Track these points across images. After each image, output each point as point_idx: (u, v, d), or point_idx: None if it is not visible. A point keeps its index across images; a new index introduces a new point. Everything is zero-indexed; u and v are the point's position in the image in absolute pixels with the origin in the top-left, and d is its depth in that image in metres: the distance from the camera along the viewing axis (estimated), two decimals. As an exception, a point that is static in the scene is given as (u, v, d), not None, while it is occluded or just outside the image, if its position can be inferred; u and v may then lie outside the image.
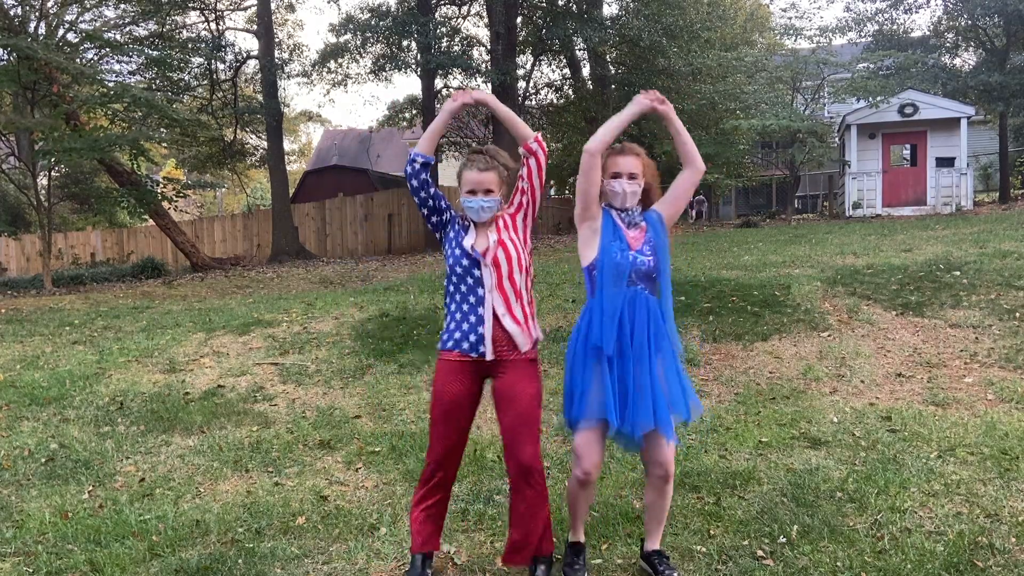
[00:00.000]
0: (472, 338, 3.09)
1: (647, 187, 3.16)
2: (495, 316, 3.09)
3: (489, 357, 3.08)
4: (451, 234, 3.18)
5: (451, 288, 3.16)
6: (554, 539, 3.22)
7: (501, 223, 3.17)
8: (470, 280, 3.10)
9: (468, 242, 3.11)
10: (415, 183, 3.15)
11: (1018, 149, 23.93)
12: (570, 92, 23.88)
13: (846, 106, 20.38)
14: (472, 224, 3.17)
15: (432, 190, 3.18)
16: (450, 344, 3.13)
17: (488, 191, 3.10)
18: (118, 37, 18.12)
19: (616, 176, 3.10)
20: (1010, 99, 19.06)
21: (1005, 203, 19.13)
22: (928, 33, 21.83)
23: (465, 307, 3.12)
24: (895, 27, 22.11)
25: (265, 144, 21.45)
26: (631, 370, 3.00)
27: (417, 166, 3.14)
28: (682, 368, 3.15)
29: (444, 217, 3.21)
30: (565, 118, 22.88)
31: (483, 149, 3.20)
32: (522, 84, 21.04)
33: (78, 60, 15.91)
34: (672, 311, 3.15)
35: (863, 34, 22.22)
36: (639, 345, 3.02)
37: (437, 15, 19.36)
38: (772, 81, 19.99)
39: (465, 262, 3.09)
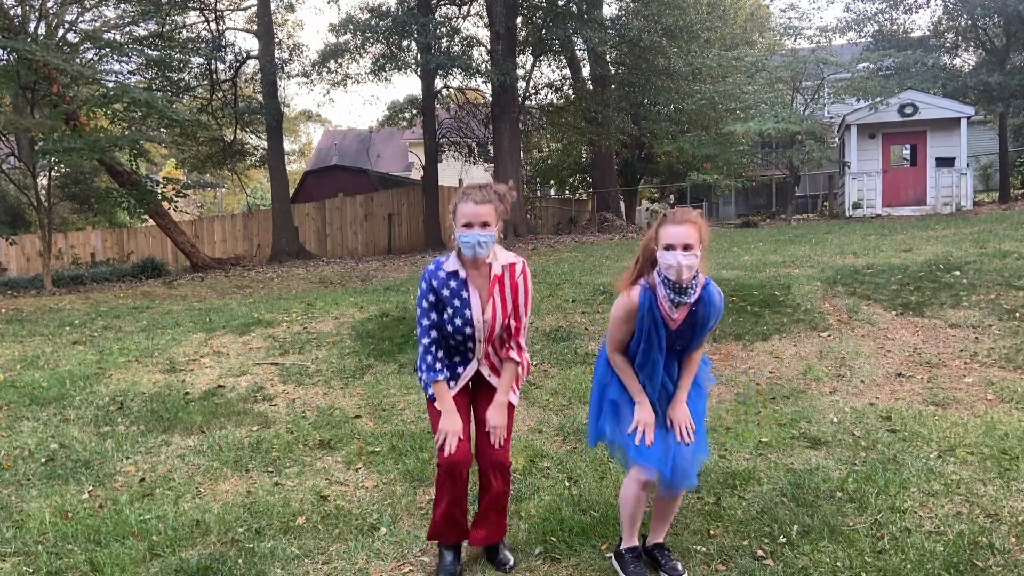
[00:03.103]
0: (457, 377, 3.24)
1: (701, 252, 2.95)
2: (479, 374, 3.24)
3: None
4: (456, 302, 3.10)
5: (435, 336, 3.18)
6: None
7: (498, 286, 3.12)
8: (461, 343, 3.18)
9: (477, 314, 3.10)
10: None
11: (1018, 149, 23.93)
12: (570, 92, 23.89)
13: (846, 106, 20.40)
14: (469, 284, 3.09)
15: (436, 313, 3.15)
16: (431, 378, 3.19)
17: (485, 224, 2.98)
18: (118, 37, 18.15)
19: (670, 248, 2.85)
20: (1010, 99, 19.07)
21: (1005, 203, 19.13)
22: (928, 33, 21.83)
23: (456, 357, 3.22)
24: (895, 27, 22.12)
25: (265, 144, 21.46)
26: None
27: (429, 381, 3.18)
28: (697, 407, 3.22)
29: (440, 301, 3.13)
30: (565, 118, 22.88)
31: (480, 184, 3.15)
32: (522, 84, 21.04)
33: (78, 60, 15.92)
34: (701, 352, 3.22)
35: (863, 34, 22.24)
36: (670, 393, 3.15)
37: (437, 15, 19.36)
38: (772, 81, 20.00)
39: (468, 331, 3.13)
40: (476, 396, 3.28)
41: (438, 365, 3.13)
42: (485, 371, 3.23)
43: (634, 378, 3.09)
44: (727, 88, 19.60)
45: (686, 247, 2.83)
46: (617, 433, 3.13)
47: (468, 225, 2.99)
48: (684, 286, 2.90)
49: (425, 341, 3.12)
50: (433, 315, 3.10)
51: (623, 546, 3.24)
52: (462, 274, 3.08)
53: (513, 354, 3.20)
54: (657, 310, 2.96)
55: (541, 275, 9.94)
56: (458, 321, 3.08)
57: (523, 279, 3.13)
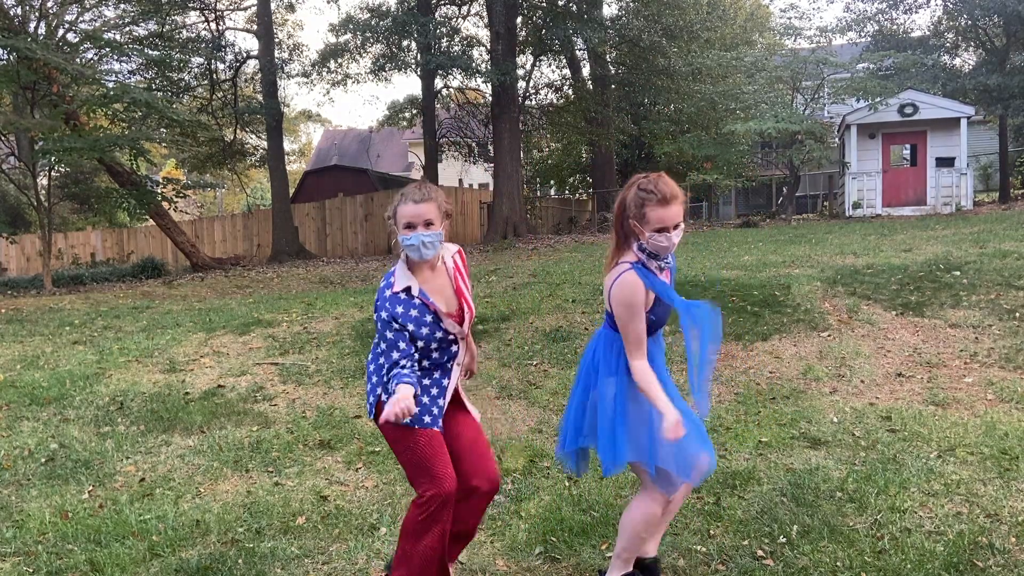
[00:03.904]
0: (435, 411, 2.87)
1: None
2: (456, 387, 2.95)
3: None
4: (412, 313, 2.77)
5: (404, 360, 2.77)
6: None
7: (459, 276, 2.92)
8: (444, 349, 2.86)
9: (449, 322, 2.81)
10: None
11: (1018, 149, 23.93)
12: (570, 92, 23.90)
13: (846, 107, 20.39)
14: (427, 298, 2.81)
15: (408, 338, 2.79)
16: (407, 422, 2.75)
17: (428, 223, 2.77)
18: (118, 37, 18.16)
19: (663, 230, 2.71)
20: (1009, 100, 19.07)
21: (1005, 203, 19.13)
22: (928, 33, 21.84)
23: (427, 380, 2.86)
24: (895, 27, 22.13)
25: (265, 144, 21.48)
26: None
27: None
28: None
29: (402, 317, 2.78)
30: (565, 118, 22.90)
31: (419, 183, 2.92)
32: (522, 84, 21.04)
33: (78, 60, 15.92)
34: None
35: (863, 34, 22.24)
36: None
37: (437, 15, 19.37)
38: (772, 81, 19.99)
39: (439, 336, 2.82)
40: (448, 416, 2.98)
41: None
42: (462, 392, 3.02)
43: (660, 388, 2.72)
44: (727, 88, 19.61)
45: (677, 225, 2.74)
46: (657, 455, 2.78)
47: (410, 226, 2.78)
48: (665, 259, 2.84)
49: (398, 359, 2.76)
50: (404, 338, 2.75)
51: (621, 573, 2.96)
52: (414, 290, 2.80)
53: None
54: (659, 282, 2.81)
55: (541, 275, 9.95)
56: (438, 335, 2.82)
57: (464, 259, 3.00)
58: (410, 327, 2.76)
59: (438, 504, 2.77)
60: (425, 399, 2.85)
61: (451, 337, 2.86)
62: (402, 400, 2.60)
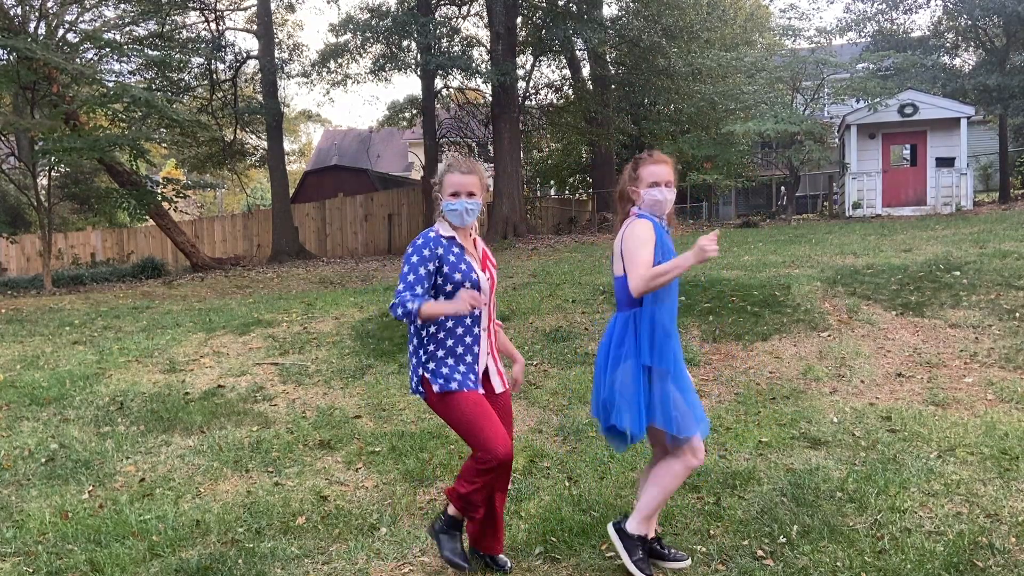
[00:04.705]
0: (472, 377, 3.09)
1: None
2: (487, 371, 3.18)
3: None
4: (452, 253, 3.06)
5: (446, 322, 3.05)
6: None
7: (487, 255, 3.22)
8: (469, 320, 3.10)
9: (482, 278, 3.10)
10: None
11: (1018, 149, 23.93)
12: (570, 92, 23.90)
13: (846, 107, 20.39)
14: (465, 250, 3.10)
15: (427, 284, 3.02)
16: (454, 386, 3.03)
17: (471, 193, 3.08)
18: (118, 37, 18.15)
19: (655, 185, 3.08)
20: (1009, 100, 19.06)
21: (1005, 203, 19.13)
22: (928, 33, 21.83)
23: (460, 348, 3.08)
24: (895, 27, 22.12)
25: (265, 144, 21.47)
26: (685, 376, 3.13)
27: (409, 312, 2.93)
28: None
29: (437, 262, 3.04)
30: (565, 118, 22.89)
31: (463, 157, 3.23)
32: (522, 84, 21.04)
33: (78, 60, 15.91)
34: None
35: (863, 34, 22.23)
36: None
37: (437, 15, 19.36)
38: (772, 81, 19.99)
39: (471, 282, 3.07)
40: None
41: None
42: (491, 367, 3.17)
43: (671, 263, 2.94)
44: (727, 88, 19.59)
45: (668, 183, 3.08)
46: (668, 422, 3.03)
47: (455, 194, 3.07)
48: (664, 220, 3.13)
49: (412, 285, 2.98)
50: (426, 284, 3.00)
51: (638, 532, 3.17)
52: (459, 239, 3.10)
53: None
54: (661, 229, 3.09)
55: (541, 275, 9.94)
56: (468, 284, 3.05)
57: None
58: (445, 268, 3.02)
59: (493, 466, 3.00)
60: (461, 367, 3.07)
61: (477, 281, 3.08)
62: (462, 297, 2.90)
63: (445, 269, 3.03)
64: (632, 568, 3.12)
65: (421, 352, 3.09)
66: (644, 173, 3.08)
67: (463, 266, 3.05)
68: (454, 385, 3.02)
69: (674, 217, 3.25)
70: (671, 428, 3.02)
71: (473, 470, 3.03)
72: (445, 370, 3.05)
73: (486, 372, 3.16)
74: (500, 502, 3.21)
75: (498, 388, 3.20)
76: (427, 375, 3.07)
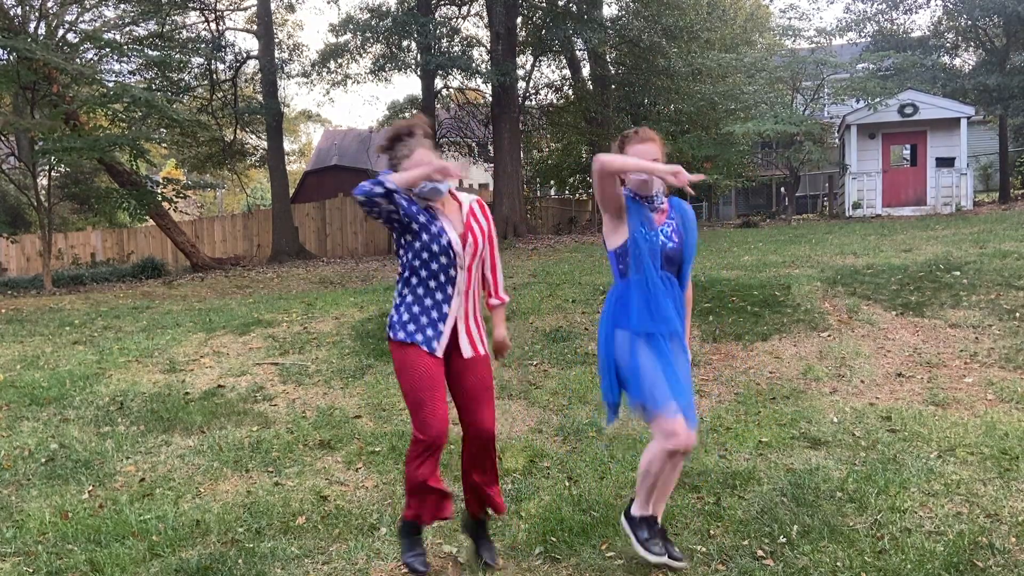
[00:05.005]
0: (430, 333, 3.10)
1: None
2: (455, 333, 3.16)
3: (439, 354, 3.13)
4: (421, 218, 3.07)
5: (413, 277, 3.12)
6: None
7: (472, 217, 3.20)
8: (443, 271, 3.10)
9: (453, 235, 3.09)
10: (379, 210, 2.98)
11: (1018, 149, 23.93)
12: (570, 92, 23.90)
13: (846, 107, 20.39)
14: (436, 214, 3.10)
15: (398, 202, 3.03)
16: (402, 335, 3.11)
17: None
18: (118, 37, 18.14)
19: None
20: (1009, 100, 19.06)
21: (1005, 203, 19.13)
22: (928, 33, 21.84)
23: (429, 301, 3.11)
24: (895, 27, 22.12)
25: (265, 144, 21.47)
26: (671, 355, 3.07)
27: (380, 192, 2.95)
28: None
29: (405, 219, 3.08)
30: (565, 118, 22.89)
31: (409, 129, 3.18)
32: (522, 84, 21.04)
33: (78, 60, 15.91)
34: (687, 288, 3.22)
35: (863, 34, 22.23)
36: (674, 331, 3.09)
37: (437, 15, 19.36)
38: (772, 81, 19.99)
39: (443, 259, 3.08)
40: (451, 368, 3.19)
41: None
42: (462, 330, 3.14)
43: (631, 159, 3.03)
44: (727, 88, 19.60)
45: (656, 161, 3.03)
46: (636, 392, 3.05)
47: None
48: (651, 197, 3.10)
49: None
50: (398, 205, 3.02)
51: (640, 513, 3.21)
52: (433, 206, 3.12)
53: (496, 301, 3.36)
54: (641, 207, 3.08)
55: (541, 275, 9.94)
56: (443, 240, 3.05)
57: (486, 212, 3.27)
58: (418, 222, 3.05)
59: (423, 447, 3.07)
60: (424, 319, 3.09)
61: (452, 254, 3.08)
62: (420, 167, 2.99)
63: (415, 229, 3.05)
64: (639, 549, 3.15)
65: (396, 297, 3.18)
66: (630, 152, 3.06)
67: (433, 228, 3.06)
68: (402, 335, 3.08)
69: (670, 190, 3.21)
70: (632, 394, 3.04)
71: (410, 449, 3.13)
72: (407, 318, 3.10)
73: (455, 336, 3.14)
74: (478, 480, 3.24)
75: (466, 353, 3.16)
76: (393, 320, 3.15)
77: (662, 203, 3.15)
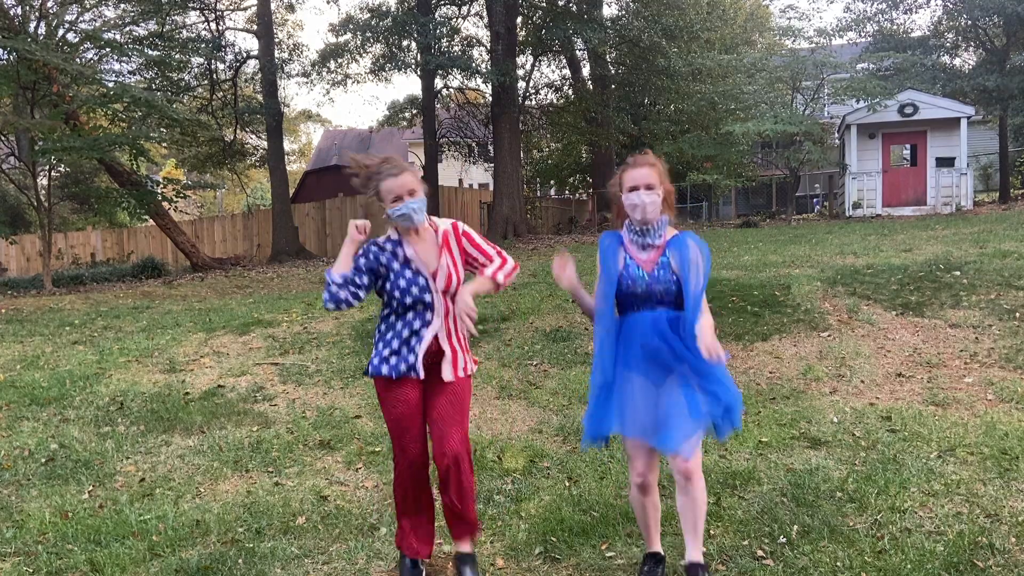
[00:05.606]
0: (405, 356, 3.11)
1: (665, 195, 3.04)
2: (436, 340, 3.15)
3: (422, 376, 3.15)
4: (395, 266, 3.13)
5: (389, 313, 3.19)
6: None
7: (447, 245, 3.18)
8: (418, 302, 3.11)
9: (427, 275, 3.10)
10: (343, 300, 3.11)
11: (1018, 149, 23.93)
12: (570, 92, 23.91)
13: (846, 107, 20.40)
14: (408, 249, 3.12)
15: (363, 281, 3.14)
16: (373, 369, 3.16)
17: (412, 191, 3.08)
18: (118, 37, 18.12)
19: (633, 189, 3.00)
20: (1009, 100, 19.06)
21: (1005, 203, 19.13)
22: (928, 33, 21.83)
23: (407, 332, 3.12)
24: (895, 27, 22.12)
25: (265, 144, 21.47)
26: (656, 390, 2.99)
27: (335, 287, 3.11)
28: (710, 371, 3.06)
29: (381, 270, 3.15)
30: (565, 118, 22.89)
31: (384, 157, 3.19)
32: (522, 84, 21.05)
33: (78, 60, 15.91)
34: (696, 318, 2.97)
35: (863, 34, 22.22)
36: (660, 366, 2.99)
37: (437, 15, 19.36)
38: (772, 81, 19.99)
39: (415, 290, 3.09)
40: (429, 388, 3.16)
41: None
42: (447, 353, 3.11)
43: (583, 294, 3.15)
44: (727, 88, 19.61)
45: (648, 187, 2.99)
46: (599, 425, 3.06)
47: (398, 199, 3.07)
48: (648, 226, 3.02)
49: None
50: (362, 274, 3.12)
51: (646, 550, 3.22)
52: (408, 242, 3.13)
53: (490, 269, 3.22)
54: (625, 253, 3.06)
55: (541, 275, 9.94)
56: (415, 290, 3.08)
57: (460, 235, 3.23)
58: (391, 268, 3.11)
59: (400, 469, 3.20)
60: (402, 346, 3.11)
61: (425, 287, 3.10)
62: (352, 234, 3.16)
63: (388, 276, 3.12)
64: None
65: (376, 334, 3.23)
66: (625, 178, 3.05)
67: (408, 273, 3.10)
68: (385, 369, 3.11)
69: (674, 216, 3.13)
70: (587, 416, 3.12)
71: (394, 476, 3.26)
72: (387, 353, 3.12)
73: (439, 356, 3.12)
74: (448, 500, 3.17)
75: (447, 376, 3.13)
76: (372, 358, 3.18)
77: (659, 237, 3.03)
